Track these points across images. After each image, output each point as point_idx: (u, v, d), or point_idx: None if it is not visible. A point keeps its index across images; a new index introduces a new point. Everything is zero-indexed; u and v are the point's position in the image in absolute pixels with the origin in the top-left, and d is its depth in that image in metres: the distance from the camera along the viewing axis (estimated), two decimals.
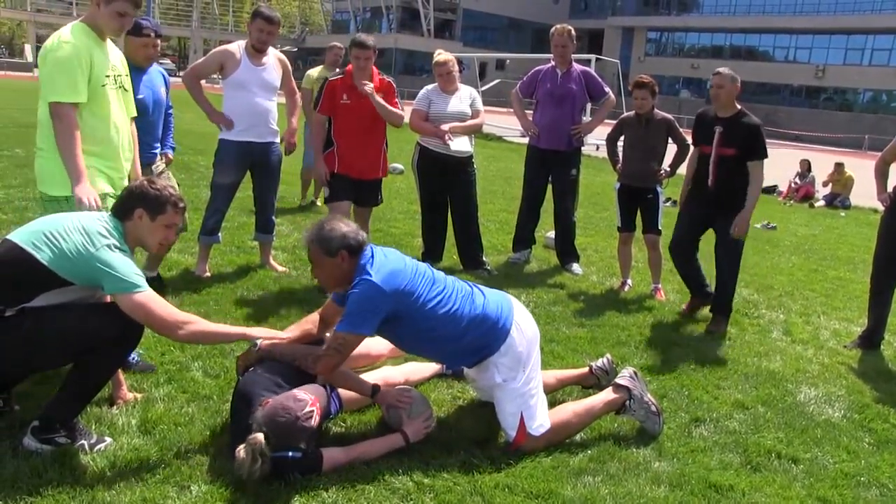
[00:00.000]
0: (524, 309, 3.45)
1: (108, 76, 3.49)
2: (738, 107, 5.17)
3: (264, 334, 3.19)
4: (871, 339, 5.24)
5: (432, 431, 3.31)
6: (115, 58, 3.63)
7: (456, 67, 5.96)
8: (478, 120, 6.05)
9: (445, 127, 5.76)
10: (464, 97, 6.01)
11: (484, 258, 6.36)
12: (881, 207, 5.34)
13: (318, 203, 8.47)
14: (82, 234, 2.81)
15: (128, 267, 2.82)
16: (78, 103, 3.35)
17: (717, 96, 5.13)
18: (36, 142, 3.48)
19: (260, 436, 2.74)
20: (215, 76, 5.58)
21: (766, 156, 5.10)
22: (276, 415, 2.77)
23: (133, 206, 2.97)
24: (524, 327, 3.32)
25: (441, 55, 6.00)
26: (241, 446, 2.73)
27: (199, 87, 5.37)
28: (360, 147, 5.42)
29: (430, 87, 6.10)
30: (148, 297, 2.82)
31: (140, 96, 4.36)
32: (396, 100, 5.52)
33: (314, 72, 8.32)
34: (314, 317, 3.56)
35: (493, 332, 3.22)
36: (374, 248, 3.20)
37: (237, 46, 5.37)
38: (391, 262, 3.13)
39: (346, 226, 3.17)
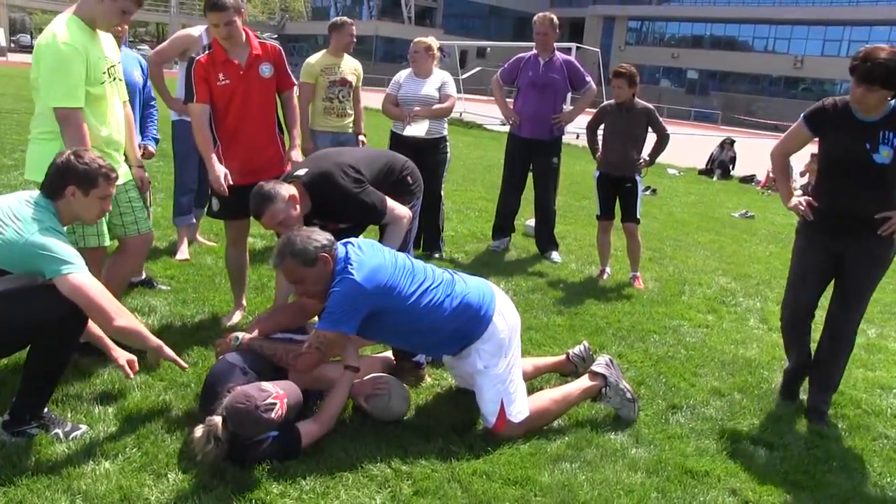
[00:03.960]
0: (505, 296, 3.46)
1: (104, 72, 3.41)
2: None
3: (173, 356, 3.03)
4: (792, 388, 4.03)
5: (410, 418, 3.32)
6: (107, 47, 3.54)
7: (429, 52, 5.92)
8: (443, 105, 5.92)
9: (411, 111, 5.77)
10: (434, 82, 5.97)
11: (441, 241, 6.35)
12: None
13: None
14: (13, 220, 2.76)
15: (65, 249, 2.76)
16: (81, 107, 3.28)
17: None
18: (30, 128, 3.42)
19: (218, 419, 2.74)
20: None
21: None
22: (236, 400, 2.76)
23: (64, 183, 2.89)
24: (506, 314, 3.33)
25: (416, 39, 6.02)
26: (199, 426, 2.74)
27: (161, 74, 5.23)
28: (252, 139, 4.14)
29: (404, 70, 6.12)
30: (87, 279, 2.76)
31: None
32: (287, 68, 4.27)
33: (315, 59, 6.11)
34: (292, 305, 3.54)
35: (476, 320, 3.22)
36: (348, 244, 3.18)
37: (199, 30, 5.26)
38: (372, 259, 3.10)
39: (312, 230, 3.14)
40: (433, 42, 6.01)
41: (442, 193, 6.27)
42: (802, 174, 15.37)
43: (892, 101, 3.44)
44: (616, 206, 6.08)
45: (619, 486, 2.97)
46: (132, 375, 3.06)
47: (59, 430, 2.91)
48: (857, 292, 3.68)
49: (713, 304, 5.77)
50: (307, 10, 68.23)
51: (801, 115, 3.73)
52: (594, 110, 6.21)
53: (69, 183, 2.89)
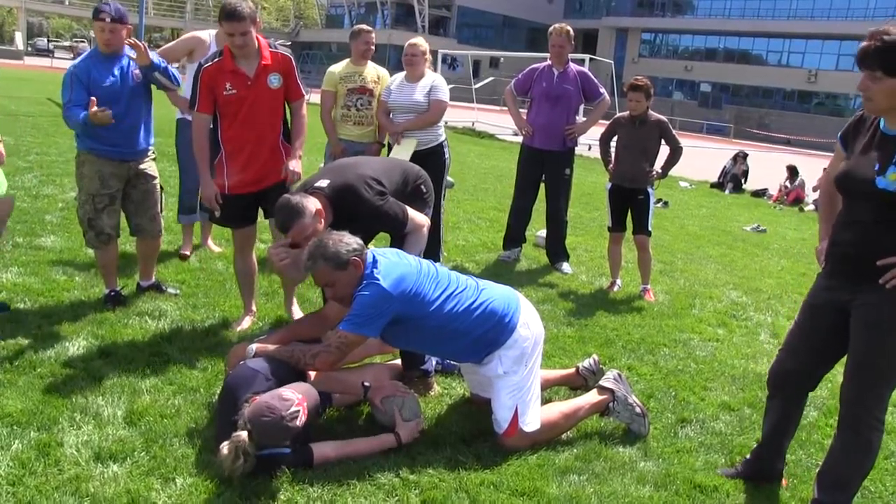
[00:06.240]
0: (531, 306, 3.45)
1: None
2: None
3: None
4: (761, 468, 3.20)
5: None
6: None
7: (425, 55, 5.73)
8: (425, 116, 5.63)
9: (397, 127, 5.65)
10: (424, 87, 5.69)
11: (442, 250, 6.06)
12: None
13: None
14: None
15: None
16: None
17: None
18: None
19: (244, 434, 2.73)
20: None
21: None
22: (261, 413, 2.76)
23: None
24: (531, 324, 3.33)
25: (411, 41, 5.83)
26: (225, 443, 2.73)
27: None
28: (257, 149, 4.13)
29: (398, 74, 5.87)
30: None
31: (106, 84, 4.16)
32: (297, 78, 4.23)
33: (337, 68, 5.93)
34: (312, 315, 3.56)
35: (500, 327, 3.22)
36: (375, 251, 3.21)
37: (208, 34, 5.28)
38: (398, 265, 3.13)
39: (342, 235, 3.15)
40: (426, 44, 5.83)
41: (442, 203, 5.95)
42: (815, 188, 15.29)
43: None
44: (627, 218, 6.07)
45: (627, 499, 2.95)
46: None
47: None
48: (863, 362, 2.74)
49: (724, 317, 5.74)
50: (321, 17, 68.57)
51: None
52: (607, 122, 6.21)
53: None
